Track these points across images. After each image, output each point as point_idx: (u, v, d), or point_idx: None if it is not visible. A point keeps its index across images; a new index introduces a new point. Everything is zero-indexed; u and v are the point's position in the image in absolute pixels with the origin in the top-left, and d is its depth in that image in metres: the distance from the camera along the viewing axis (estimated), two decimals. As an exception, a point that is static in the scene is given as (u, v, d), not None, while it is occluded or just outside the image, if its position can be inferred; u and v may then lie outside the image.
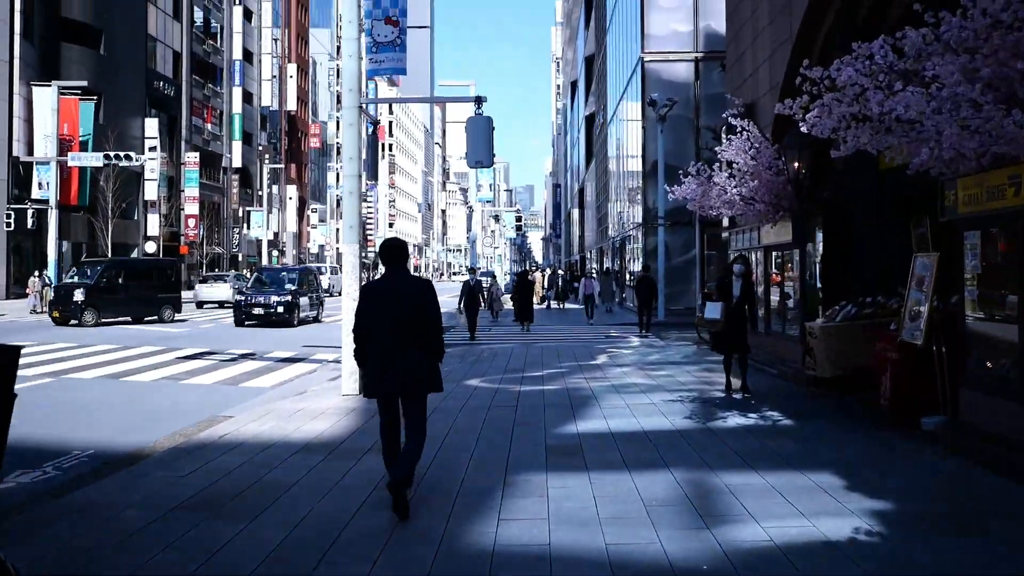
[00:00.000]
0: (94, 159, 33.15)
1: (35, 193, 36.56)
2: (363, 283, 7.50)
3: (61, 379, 13.74)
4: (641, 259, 31.17)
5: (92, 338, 20.73)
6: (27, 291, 31.86)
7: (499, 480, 6.81)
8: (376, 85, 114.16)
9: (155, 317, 27.03)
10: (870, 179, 11.51)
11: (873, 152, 7.95)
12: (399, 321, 5.97)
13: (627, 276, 37.83)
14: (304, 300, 26.44)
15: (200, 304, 36.72)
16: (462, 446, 8.16)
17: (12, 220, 34.00)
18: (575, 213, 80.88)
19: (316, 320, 27.58)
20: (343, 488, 6.63)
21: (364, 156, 13.35)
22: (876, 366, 9.25)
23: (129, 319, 26.70)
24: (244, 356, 17.50)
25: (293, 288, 26.01)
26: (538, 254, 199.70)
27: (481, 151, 12.40)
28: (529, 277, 29.42)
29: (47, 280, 31.65)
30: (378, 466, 6.62)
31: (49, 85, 35.99)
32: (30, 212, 34.21)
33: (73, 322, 24.62)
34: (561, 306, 38.26)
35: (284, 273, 28.08)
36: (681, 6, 30.29)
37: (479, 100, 12.42)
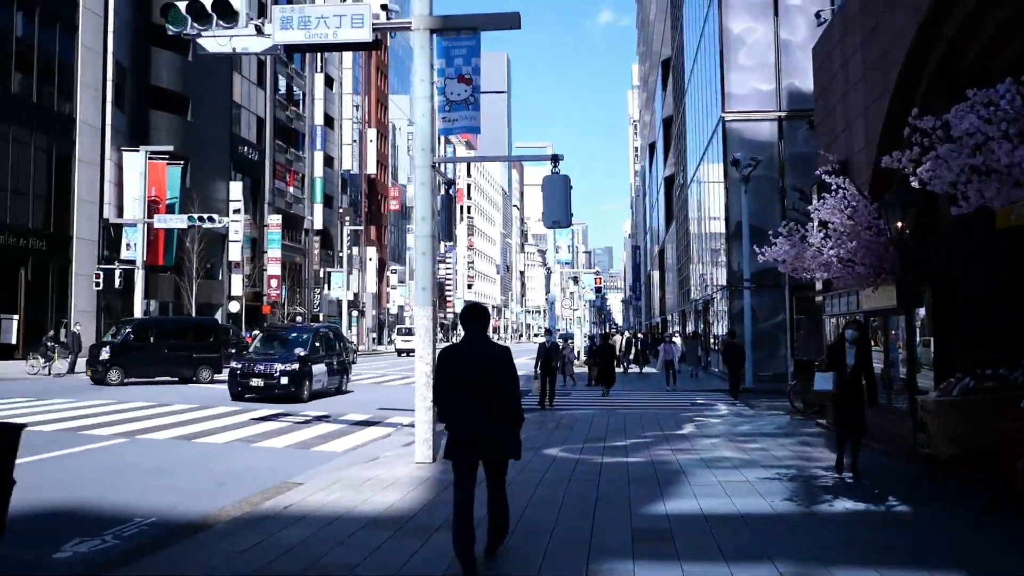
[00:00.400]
0: (179, 221, 33.80)
1: (124, 254, 37.39)
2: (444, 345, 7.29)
3: (135, 439, 13.52)
4: (726, 322, 30.23)
5: (161, 396, 20.68)
6: (110, 350, 32.33)
7: (580, 569, 6.15)
8: (455, 148, 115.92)
9: (192, 378, 26.16)
10: (985, 239, 10.64)
11: (996, 208, 7.19)
12: (477, 385, 5.95)
13: (711, 340, 36.82)
14: (319, 368, 21.77)
15: None
16: (540, 525, 7.51)
17: (101, 280, 34.77)
18: (655, 275, 79.99)
19: (339, 391, 23.26)
20: (409, 574, 6.04)
21: (439, 216, 13.09)
22: (1004, 446, 8.33)
23: (162, 379, 25.88)
24: (318, 418, 17.17)
25: (303, 353, 21.13)
26: (618, 316, 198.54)
27: (558, 210, 11.95)
28: (610, 340, 28.65)
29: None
30: (448, 546, 6.04)
31: (138, 150, 36.96)
32: (118, 272, 34.93)
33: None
34: (640, 371, 37.34)
35: (295, 334, 22.87)
36: (762, 65, 29.73)
37: (555, 158, 12.01)
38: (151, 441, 13.50)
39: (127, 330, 25.79)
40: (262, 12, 49.87)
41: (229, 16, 11.42)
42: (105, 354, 24.69)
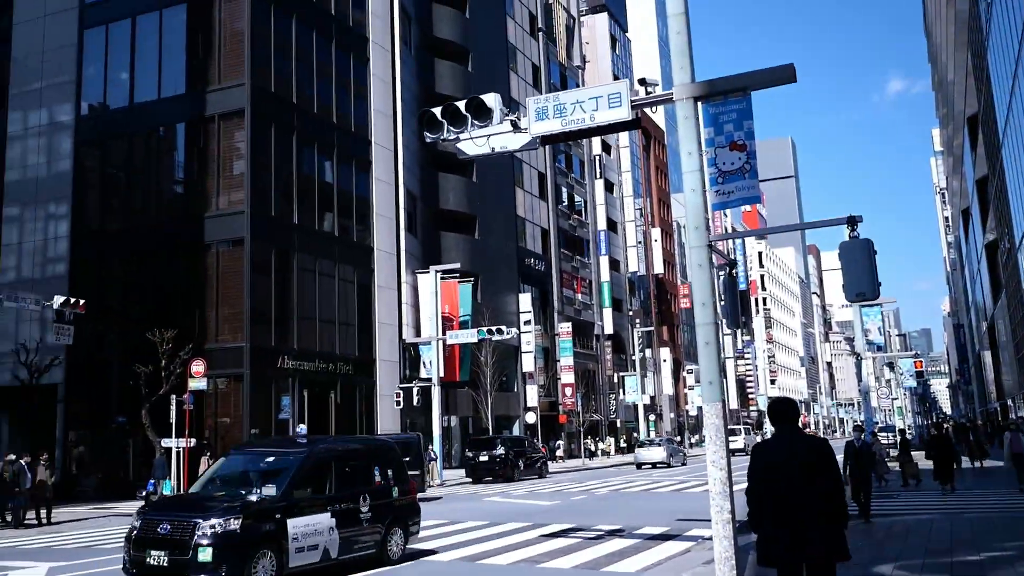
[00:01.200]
0: (470, 336, 34.57)
1: (422, 372, 38.75)
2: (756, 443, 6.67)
3: (421, 563, 12.96)
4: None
5: (459, 513, 20.30)
6: (413, 467, 33.18)
7: None
8: (743, 242, 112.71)
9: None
10: None
11: None
12: (795, 482, 5.74)
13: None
14: (312, 522, 11.37)
15: (639, 465, 42.85)
16: None
17: (402, 399, 36.02)
18: (986, 355, 71.80)
19: (383, 560, 12.58)
20: None
21: (721, 301, 11.71)
22: None
23: None
24: (611, 533, 15.90)
25: (270, 494, 11.20)
26: (944, 404, 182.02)
27: (862, 280, 10.08)
28: (943, 430, 25.02)
29: (432, 455, 32.64)
30: None
31: (429, 271, 38.53)
32: (415, 390, 36.10)
33: None
34: (977, 465, 32.71)
35: (273, 457, 12.46)
36: (1095, 99, 25.73)
37: (852, 221, 10.23)
38: (435, 564, 12.86)
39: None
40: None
41: (483, 115, 10.99)
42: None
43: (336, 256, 37.52)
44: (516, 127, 11.09)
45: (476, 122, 11.07)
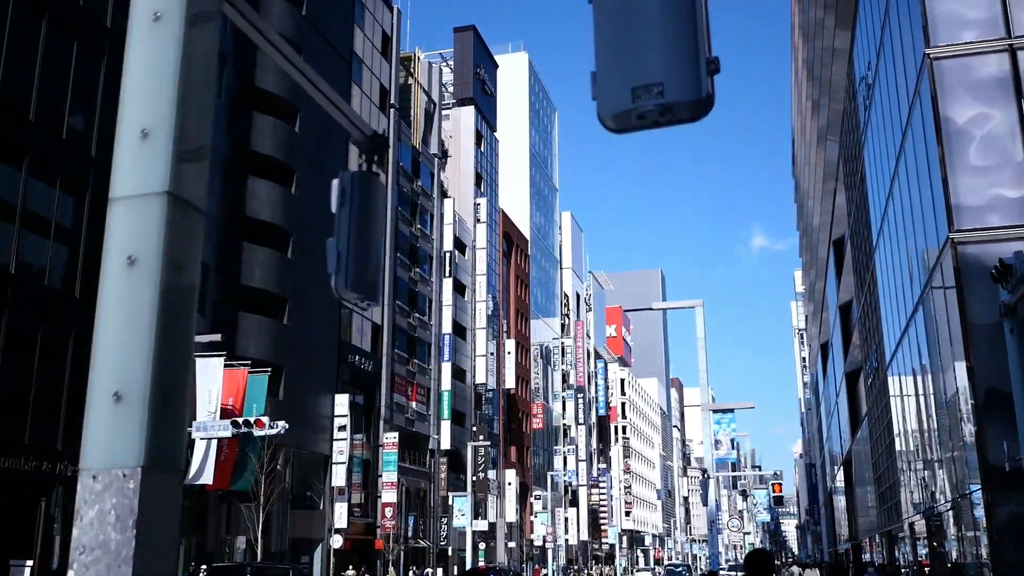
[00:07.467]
0: (221, 429, 26.55)
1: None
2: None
3: None
4: (986, 540, 19.78)
5: None
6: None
7: None
8: (605, 363, 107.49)
9: None
10: None
11: None
12: None
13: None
14: None
15: None
16: None
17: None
18: (837, 495, 67.80)
19: None
20: None
21: (346, 210, 4.88)
22: None
23: None
24: None
25: None
26: (793, 544, 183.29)
27: (652, 55, 3.39)
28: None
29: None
30: None
31: (212, 355, 30.41)
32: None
33: None
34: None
35: None
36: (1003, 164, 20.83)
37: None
38: None
39: None
40: None
41: None
42: None
43: (45, 318, 29.20)
44: None
45: None
